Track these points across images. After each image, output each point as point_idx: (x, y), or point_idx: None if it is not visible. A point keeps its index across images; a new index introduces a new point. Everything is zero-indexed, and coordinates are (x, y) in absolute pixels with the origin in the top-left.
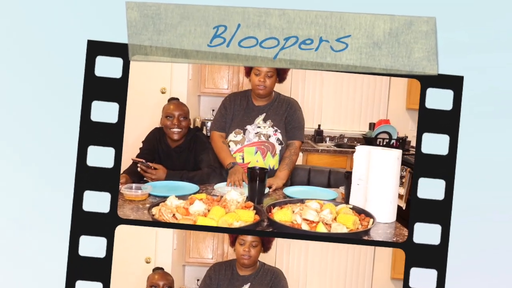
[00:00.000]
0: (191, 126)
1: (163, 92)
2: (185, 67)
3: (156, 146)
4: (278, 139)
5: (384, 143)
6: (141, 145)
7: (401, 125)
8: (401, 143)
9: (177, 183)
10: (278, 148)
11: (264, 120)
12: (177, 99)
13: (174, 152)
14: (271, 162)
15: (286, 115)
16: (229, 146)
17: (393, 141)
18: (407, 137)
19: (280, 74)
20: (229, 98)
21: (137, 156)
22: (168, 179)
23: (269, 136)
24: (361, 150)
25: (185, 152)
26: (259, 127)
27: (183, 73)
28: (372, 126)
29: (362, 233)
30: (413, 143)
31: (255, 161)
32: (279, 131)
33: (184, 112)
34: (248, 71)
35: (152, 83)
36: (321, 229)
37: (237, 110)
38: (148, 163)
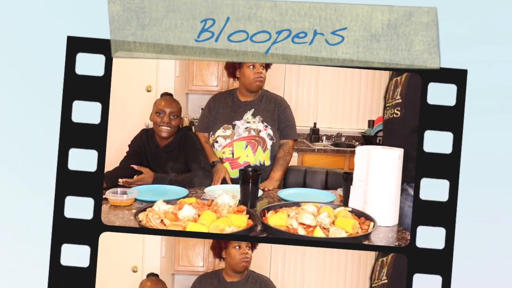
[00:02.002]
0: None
1: (148, 90)
2: (172, 63)
3: (143, 148)
4: (269, 135)
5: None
6: (127, 147)
7: None
8: None
9: (165, 187)
10: (269, 143)
11: (253, 115)
12: (171, 95)
13: (163, 152)
14: (261, 157)
15: (277, 113)
16: (217, 142)
17: None
18: None
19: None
20: (213, 98)
21: (124, 160)
22: (155, 183)
23: (260, 131)
24: (361, 150)
25: (175, 152)
26: (248, 122)
27: (169, 69)
28: (371, 123)
29: (362, 238)
30: None
31: (245, 155)
32: (269, 127)
33: (176, 110)
34: (232, 70)
35: (137, 80)
36: (319, 233)
37: (222, 108)
38: (126, 180)
